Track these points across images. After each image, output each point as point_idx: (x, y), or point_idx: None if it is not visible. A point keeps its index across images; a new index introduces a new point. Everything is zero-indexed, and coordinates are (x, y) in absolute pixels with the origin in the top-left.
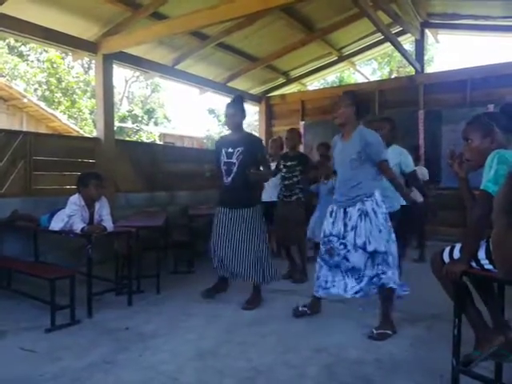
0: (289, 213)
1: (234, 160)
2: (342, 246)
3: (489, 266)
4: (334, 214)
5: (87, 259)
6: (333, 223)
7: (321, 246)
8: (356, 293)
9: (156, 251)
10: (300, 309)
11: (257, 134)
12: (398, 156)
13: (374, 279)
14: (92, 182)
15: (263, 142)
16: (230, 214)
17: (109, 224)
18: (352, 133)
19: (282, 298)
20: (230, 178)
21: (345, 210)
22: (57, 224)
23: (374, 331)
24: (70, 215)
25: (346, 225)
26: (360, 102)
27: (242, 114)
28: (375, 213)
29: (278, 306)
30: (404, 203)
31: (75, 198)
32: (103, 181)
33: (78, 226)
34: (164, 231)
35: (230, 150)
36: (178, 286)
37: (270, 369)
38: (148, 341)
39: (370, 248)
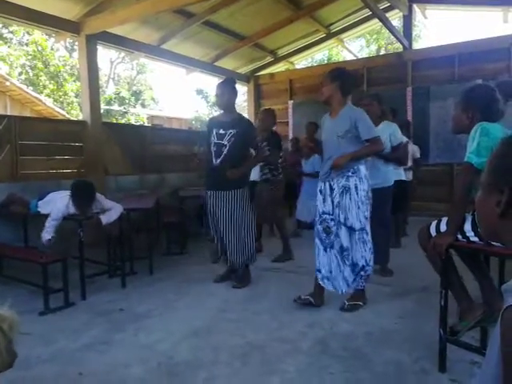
0: (260, 193)
1: (225, 142)
2: (333, 223)
3: (474, 239)
4: (323, 192)
5: (79, 243)
6: (324, 200)
7: (317, 226)
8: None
9: (148, 233)
10: (303, 297)
11: (246, 115)
12: (388, 129)
13: (361, 272)
14: (84, 204)
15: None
16: (216, 196)
17: (105, 218)
18: (339, 110)
19: (273, 276)
20: (218, 160)
21: (330, 185)
22: (44, 210)
23: (346, 303)
24: (53, 221)
25: (333, 202)
26: (346, 78)
27: (231, 93)
28: (356, 188)
29: (270, 284)
30: (397, 178)
31: (65, 206)
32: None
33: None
34: (155, 213)
35: (222, 131)
36: (170, 266)
37: (264, 344)
38: (142, 321)
39: (348, 223)
